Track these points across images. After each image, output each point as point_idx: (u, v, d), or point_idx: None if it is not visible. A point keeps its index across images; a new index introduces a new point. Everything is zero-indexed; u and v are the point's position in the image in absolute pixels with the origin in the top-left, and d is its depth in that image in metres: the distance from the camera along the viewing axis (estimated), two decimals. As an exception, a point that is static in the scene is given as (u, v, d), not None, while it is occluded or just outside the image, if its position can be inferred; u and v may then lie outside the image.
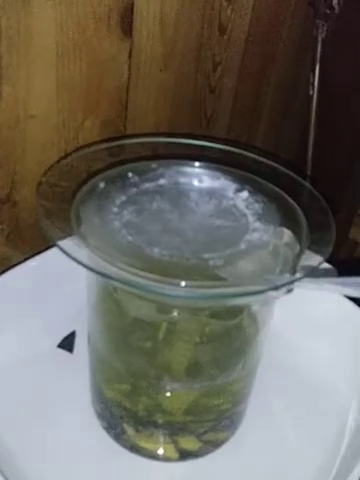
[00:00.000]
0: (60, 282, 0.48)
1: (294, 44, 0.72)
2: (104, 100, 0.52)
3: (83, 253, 0.29)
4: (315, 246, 0.31)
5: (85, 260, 0.29)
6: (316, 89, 0.73)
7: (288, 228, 0.34)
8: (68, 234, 0.30)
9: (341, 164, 0.81)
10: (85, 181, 0.35)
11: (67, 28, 0.45)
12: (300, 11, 0.69)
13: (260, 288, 0.28)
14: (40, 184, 0.32)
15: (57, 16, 0.44)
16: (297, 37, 0.71)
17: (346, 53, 0.74)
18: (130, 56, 0.52)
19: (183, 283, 0.28)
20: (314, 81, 0.72)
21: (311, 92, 0.73)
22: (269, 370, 0.43)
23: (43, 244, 0.49)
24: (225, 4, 0.58)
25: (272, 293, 0.29)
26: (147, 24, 0.51)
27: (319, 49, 0.71)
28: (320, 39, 0.71)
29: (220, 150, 0.41)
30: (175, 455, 0.39)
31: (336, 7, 0.69)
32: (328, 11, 0.69)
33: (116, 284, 0.30)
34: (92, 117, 0.52)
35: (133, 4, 0.49)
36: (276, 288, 0.28)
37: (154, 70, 0.55)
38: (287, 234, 0.35)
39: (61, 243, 0.29)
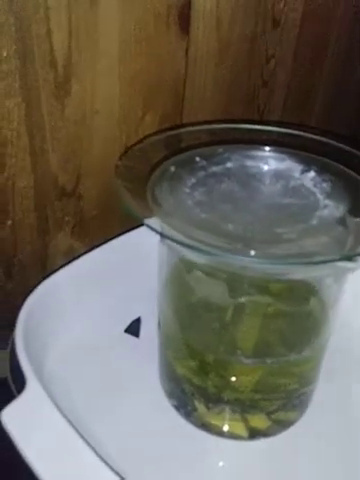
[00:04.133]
0: (123, 271, 0.49)
1: (346, 37, 0.71)
2: (163, 95, 0.54)
3: (167, 229, 0.30)
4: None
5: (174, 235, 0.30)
6: (369, 81, 0.72)
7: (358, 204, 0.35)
8: (146, 210, 0.31)
9: None
10: (156, 165, 0.36)
11: (129, 25, 0.47)
12: (353, 2, 0.69)
13: (335, 256, 0.28)
14: (117, 167, 0.34)
15: (120, 13, 0.45)
16: (349, 30, 0.71)
17: None
18: (187, 52, 0.53)
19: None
20: (366, 73, 0.72)
21: (364, 84, 0.73)
22: (337, 355, 0.43)
23: (104, 236, 0.50)
24: (278, -2, 0.59)
25: (347, 265, 0.29)
26: (204, 20, 0.53)
27: (371, 41, 0.71)
28: (372, 30, 0.70)
29: (281, 134, 0.41)
30: (245, 433, 0.40)
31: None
32: (380, 2, 0.69)
33: (203, 256, 0.30)
34: (151, 112, 0.54)
35: (190, 1, 0.50)
36: (352, 257, 0.28)
37: (210, 65, 0.56)
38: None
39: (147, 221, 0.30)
